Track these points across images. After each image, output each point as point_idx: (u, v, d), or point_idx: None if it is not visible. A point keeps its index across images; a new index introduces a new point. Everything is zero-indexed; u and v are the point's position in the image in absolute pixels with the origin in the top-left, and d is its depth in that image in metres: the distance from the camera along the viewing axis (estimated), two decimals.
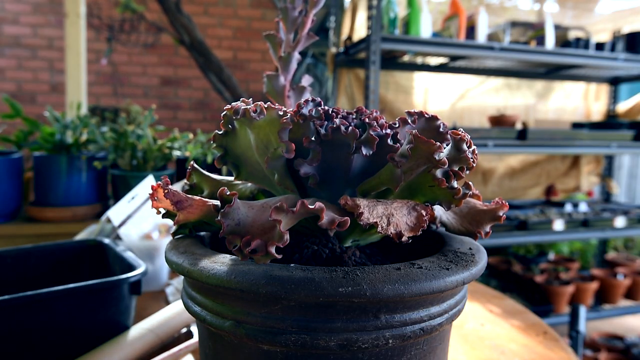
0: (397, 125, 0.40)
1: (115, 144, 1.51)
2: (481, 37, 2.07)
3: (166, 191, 0.38)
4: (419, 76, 2.65)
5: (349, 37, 2.27)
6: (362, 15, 2.36)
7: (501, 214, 0.41)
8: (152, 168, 1.54)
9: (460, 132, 0.36)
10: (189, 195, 0.39)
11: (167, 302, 0.85)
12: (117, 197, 1.53)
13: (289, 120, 0.37)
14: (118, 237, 0.94)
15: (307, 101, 0.41)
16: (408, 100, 2.62)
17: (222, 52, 3.69)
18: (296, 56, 0.53)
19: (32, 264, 0.74)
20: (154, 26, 3.06)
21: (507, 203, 0.42)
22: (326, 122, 0.39)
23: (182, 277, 0.78)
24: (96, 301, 0.61)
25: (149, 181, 0.99)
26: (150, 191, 0.38)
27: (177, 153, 1.55)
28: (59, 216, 1.57)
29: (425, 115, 0.39)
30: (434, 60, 2.41)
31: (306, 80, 0.54)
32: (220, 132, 0.42)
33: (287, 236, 0.32)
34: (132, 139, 1.49)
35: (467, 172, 0.37)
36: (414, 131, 0.34)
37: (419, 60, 2.39)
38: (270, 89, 0.53)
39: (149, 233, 0.95)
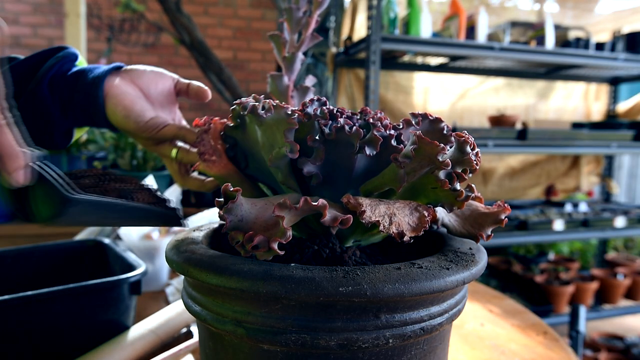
0: (401, 127, 0.40)
1: (115, 144, 1.51)
2: (481, 37, 2.07)
3: (199, 139, 0.39)
4: (419, 76, 2.65)
5: (349, 37, 2.27)
6: (362, 15, 2.36)
7: (503, 217, 0.41)
8: (152, 168, 1.54)
9: (464, 134, 0.36)
10: (216, 152, 0.40)
11: (167, 302, 0.85)
12: None
13: (295, 121, 0.37)
14: (118, 237, 0.94)
15: (312, 100, 0.41)
16: (408, 100, 2.62)
17: (222, 52, 3.69)
18: (300, 56, 0.53)
19: (32, 264, 0.74)
20: (155, 26, 3.06)
21: (508, 205, 0.42)
22: (330, 122, 0.39)
23: (182, 277, 0.78)
24: (96, 301, 0.61)
25: (149, 181, 0.99)
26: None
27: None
28: None
29: (430, 117, 0.39)
30: (434, 60, 2.41)
31: (310, 81, 0.54)
32: (230, 125, 0.43)
33: (290, 232, 0.32)
34: (132, 139, 1.49)
35: (470, 174, 0.37)
36: (417, 132, 0.35)
37: (419, 60, 2.39)
38: (274, 89, 0.53)
39: (149, 233, 0.95)
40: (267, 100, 0.39)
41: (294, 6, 0.52)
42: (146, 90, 0.53)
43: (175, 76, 0.56)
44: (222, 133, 0.43)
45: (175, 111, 0.57)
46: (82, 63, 0.56)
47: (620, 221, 2.29)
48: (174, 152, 0.52)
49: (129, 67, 0.54)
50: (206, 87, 0.55)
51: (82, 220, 0.35)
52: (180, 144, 0.53)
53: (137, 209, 0.38)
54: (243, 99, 0.41)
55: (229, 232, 0.34)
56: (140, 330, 0.64)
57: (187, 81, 0.55)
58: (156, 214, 0.40)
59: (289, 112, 0.38)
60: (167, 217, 0.41)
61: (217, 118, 0.43)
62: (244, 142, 0.43)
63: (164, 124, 0.51)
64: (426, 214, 0.35)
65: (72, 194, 0.33)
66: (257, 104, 0.39)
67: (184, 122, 0.56)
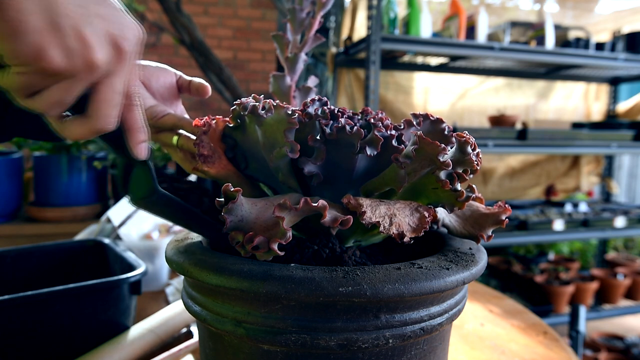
0: (402, 127, 0.40)
1: None
2: (481, 37, 2.07)
3: (198, 141, 0.41)
4: (419, 76, 2.65)
5: (349, 37, 2.27)
6: (362, 15, 2.36)
7: (504, 218, 0.41)
8: None
9: (465, 135, 0.36)
10: (216, 153, 0.41)
11: (167, 302, 0.85)
12: (117, 197, 1.53)
13: (296, 120, 0.37)
14: (118, 237, 0.94)
15: (313, 100, 0.41)
16: (408, 100, 2.62)
17: (222, 52, 3.69)
18: (303, 57, 0.53)
19: (32, 264, 0.74)
20: (155, 26, 3.06)
21: (508, 205, 0.42)
22: (331, 122, 0.39)
23: (182, 277, 0.78)
24: (96, 301, 0.61)
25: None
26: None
27: None
28: (59, 216, 1.57)
29: (431, 118, 0.39)
30: (434, 60, 2.41)
31: (312, 81, 0.54)
32: (230, 125, 0.43)
33: (290, 233, 0.32)
34: None
35: (471, 175, 0.37)
36: (418, 132, 0.35)
37: (419, 60, 2.39)
38: (276, 89, 0.53)
39: (149, 233, 0.95)
40: (268, 100, 0.39)
41: (297, 7, 0.52)
42: (147, 82, 0.54)
43: (179, 72, 0.57)
44: (222, 134, 0.44)
45: (178, 105, 0.58)
46: None
47: (620, 221, 2.28)
48: (175, 138, 0.53)
49: None
50: (207, 84, 0.56)
51: (161, 211, 0.41)
52: (181, 131, 0.54)
53: (200, 217, 0.42)
54: (243, 99, 0.41)
55: (229, 232, 0.34)
56: (140, 330, 0.64)
57: (189, 78, 0.57)
58: (214, 227, 0.43)
59: (290, 112, 0.38)
60: (221, 233, 0.44)
61: (220, 117, 0.44)
62: (244, 143, 0.43)
63: (164, 112, 0.52)
64: (427, 215, 0.35)
65: (158, 187, 0.39)
66: (257, 104, 0.39)
67: (186, 116, 0.57)
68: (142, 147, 0.38)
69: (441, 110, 2.69)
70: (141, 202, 0.39)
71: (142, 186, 0.39)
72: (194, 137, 0.52)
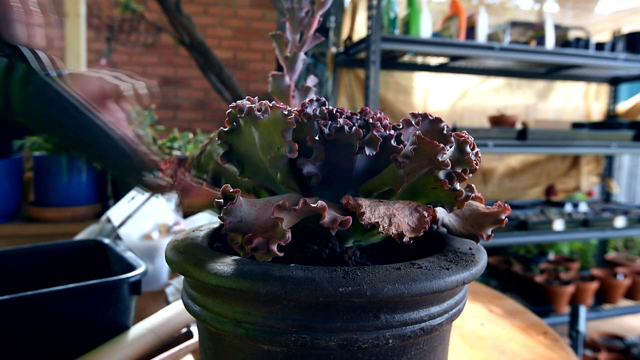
0: (400, 127, 0.40)
1: None
2: (481, 37, 2.07)
3: (174, 180, 0.40)
4: (419, 76, 2.65)
5: (349, 37, 2.27)
6: (362, 15, 2.36)
7: (503, 217, 0.41)
8: None
9: (464, 134, 0.36)
10: (195, 184, 0.41)
11: (167, 302, 0.85)
12: (117, 197, 1.53)
13: (293, 120, 0.37)
14: (118, 237, 0.94)
15: (311, 100, 0.41)
16: (408, 100, 2.62)
17: (222, 52, 3.69)
18: (302, 56, 0.53)
19: (32, 264, 0.74)
20: (154, 26, 3.06)
21: (508, 205, 0.42)
22: (330, 122, 0.39)
23: (182, 277, 0.78)
24: (96, 301, 0.61)
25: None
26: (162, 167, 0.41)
27: (177, 153, 1.55)
28: (59, 216, 1.57)
29: (429, 117, 0.39)
30: (434, 60, 2.41)
31: (311, 81, 0.54)
32: (225, 130, 0.42)
33: (289, 234, 0.32)
34: None
35: (470, 174, 0.37)
36: (417, 132, 0.35)
37: (419, 60, 2.39)
38: (275, 89, 0.53)
39: (149, 233, 0.95)
40: (264, 101, 0.39)
41: (296, 6, 0.52)
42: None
43: (114, 81, 0.52)
44: (191, 163, 0.45)
45: (116, 111, 0.55)
46: None
47: (620, 221, 2.28)
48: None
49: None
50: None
51: (44, 114, 0.30)
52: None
53: (104, 132, 0.30)
54: (239, 102, 0.40)
55: (228, 233, 0.34)
56: (140, 330, 0.64)
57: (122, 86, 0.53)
58: (121, 153, 0.31)
59: (286, 112, 0.38)
60: (130, 166, 0.32)
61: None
62: (240, 146, 0.43)
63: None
64: (426, 215, 0.35)
65: (41, 75, 0.29)
66: (253, 105, 0.39)
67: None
68: (34, 31, 0.28)
69: (441, 110, 2.69)
70: (21, 107, 0.29)
71: (20, 81, 0.29)
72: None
